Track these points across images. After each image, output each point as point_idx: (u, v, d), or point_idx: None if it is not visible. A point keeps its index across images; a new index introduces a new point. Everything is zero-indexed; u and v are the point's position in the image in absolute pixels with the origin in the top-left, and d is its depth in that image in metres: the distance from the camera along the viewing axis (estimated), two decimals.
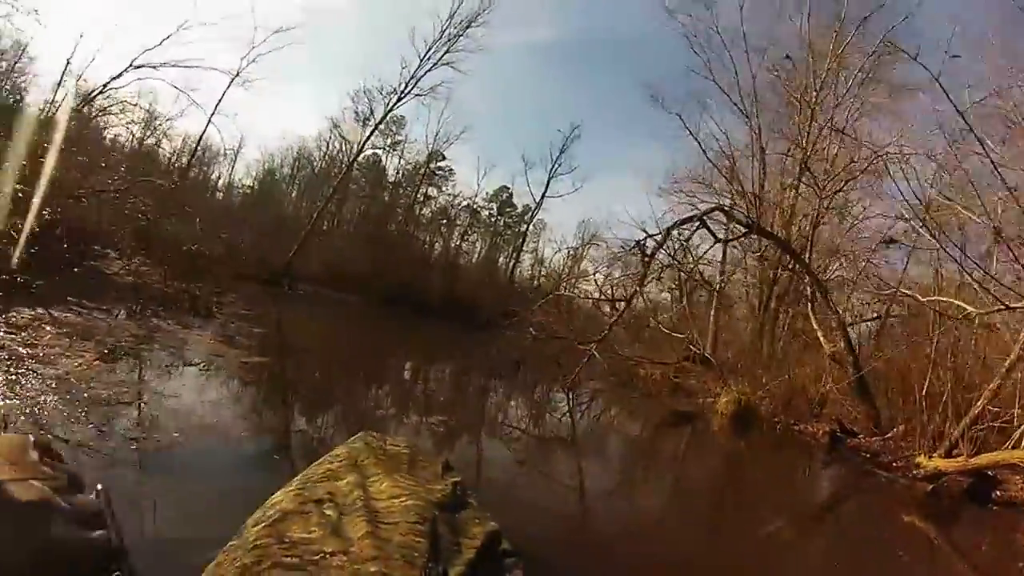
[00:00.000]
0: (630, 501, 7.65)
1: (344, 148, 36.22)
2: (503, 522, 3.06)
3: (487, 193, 42.07)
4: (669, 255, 17.15)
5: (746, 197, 21.89)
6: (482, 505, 3.18)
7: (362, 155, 37.67)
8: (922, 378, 12.58)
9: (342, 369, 12.38)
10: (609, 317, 21.46)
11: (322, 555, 2.18)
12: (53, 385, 5.33)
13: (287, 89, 55.47)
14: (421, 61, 30.78)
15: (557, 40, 56.38)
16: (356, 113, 33.79)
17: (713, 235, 16.69)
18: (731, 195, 24.08)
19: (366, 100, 32.82)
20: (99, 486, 2.11)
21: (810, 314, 17.39)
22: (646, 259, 15.60)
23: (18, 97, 22.87)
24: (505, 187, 42.39)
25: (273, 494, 2.77)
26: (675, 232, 16.15)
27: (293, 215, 34.30)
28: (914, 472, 10.97)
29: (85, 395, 5.33)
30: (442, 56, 30.79)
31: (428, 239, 40.61)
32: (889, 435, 13.52)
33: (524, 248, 41.48)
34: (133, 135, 28.73)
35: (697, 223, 16.27)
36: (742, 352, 20.51)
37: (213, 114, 27.56)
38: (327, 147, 37.12)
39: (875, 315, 19.83)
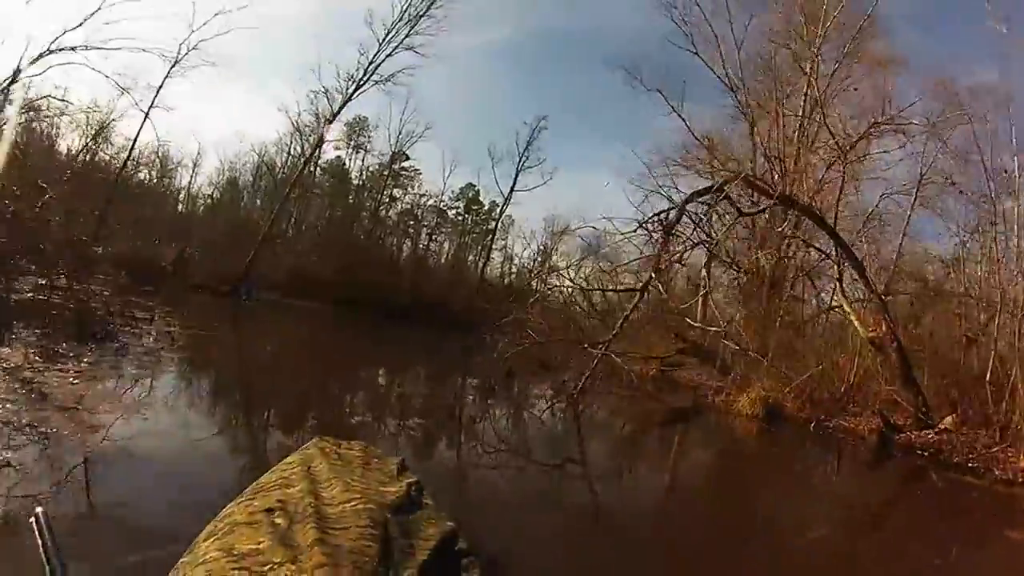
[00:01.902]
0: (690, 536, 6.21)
1: (305, 151, 33.67)
2: None
3: (453, 191, 40.25)
4: (694, 230, 15.01)
5: (759, 166, 19.85)
6: (438, 507, 2.98)
7: (325, 159, 35.80)
8: (982, 365, 11.06)
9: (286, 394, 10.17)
10: (587, 314, 20.01)
11: (270, 566, 2.03)
12: None
13: (236, 85, 51.88)
14: (381, 45, 28.33)
15: (515, 38, 54.47)
16: (315, 114, 30.87)
17: (736, 207, 14.87)
18: (713, 175, 22.26)
19: (324, 98, 29.80)
20: (37, 509, 1.54)
21: (840, 295, 15.39)
22: (665, 237, 13.88)
23: None
24: (471, 184, 40.54)
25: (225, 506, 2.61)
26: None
27: (254, 222, 31.52)
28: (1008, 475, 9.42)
29: None
30: (403, 39, 28.48)
31: (396, 241, 38.94)
32: (942, 427, 11.97)
33: (494, 245, 39.74)
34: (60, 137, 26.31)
35: (714, 195, 14.32)
36: (759, 340, 17.85)
37: (151, 107, 24.81)
38: (288, 151, 34.45)
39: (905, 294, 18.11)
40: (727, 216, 16.73)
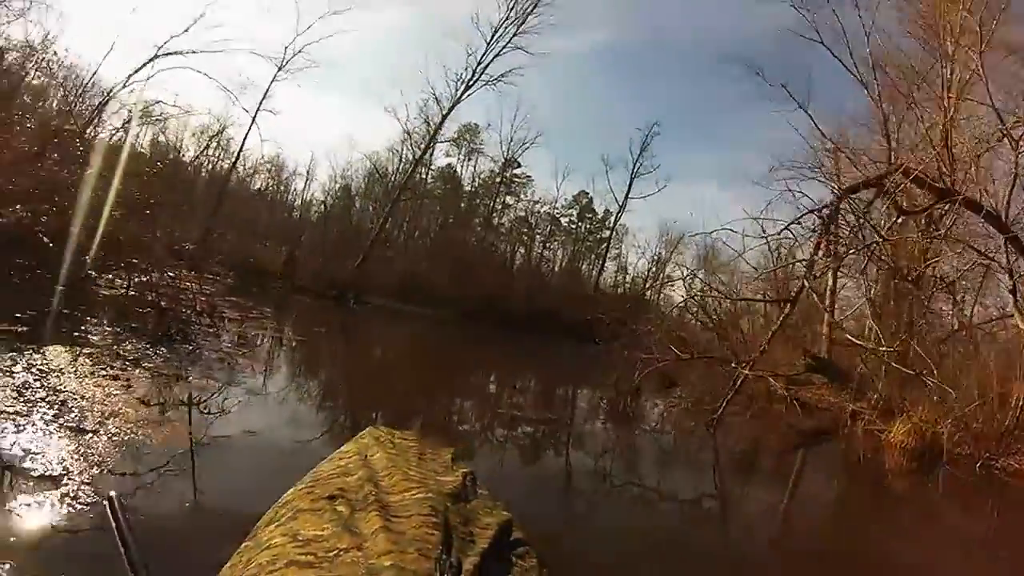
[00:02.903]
0: None
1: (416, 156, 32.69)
2: None
3: (566, 199, 39.12)
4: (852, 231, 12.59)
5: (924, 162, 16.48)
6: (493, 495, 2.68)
7: (436, 165, 34.94)
8: None
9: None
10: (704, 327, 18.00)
11: (336, 552, 1.90)
12: None
13: (343, 91, 52.08)
14: (489, 44, 27.33)
15: (619, 41, 52.65)
16: (425, 118, 29.59)
17: (898, 207, 12.24)
18: (839, 177, 19.13)
19: (433, 101, 28.83)
20: (111, 493, 1.62)
21: (1016, 308, 12.28)
22: (820, 238, 11.71)
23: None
24: (584, 192, 39.33)
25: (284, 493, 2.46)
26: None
27: (364, 227, 31.01)
28: None
29: None
30: (511, 39, 27.34)
31: (509, 248, 37.68)
32: None
33: (607, 254, 38.05)
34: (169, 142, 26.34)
35: (874, 189, 11.95)
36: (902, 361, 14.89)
37: (257, 111, 24.22)
38: (400, 157, 33.09)
39: None
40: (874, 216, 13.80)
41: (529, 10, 27.09)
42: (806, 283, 12.48)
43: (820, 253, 12.61)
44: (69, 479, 3.64)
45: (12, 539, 2.91)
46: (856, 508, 8.16)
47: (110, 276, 10.67)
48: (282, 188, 37.77)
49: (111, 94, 19.25)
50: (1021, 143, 11.99)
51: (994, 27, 13.81)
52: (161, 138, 27.65)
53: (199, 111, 23.82)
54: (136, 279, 10.64)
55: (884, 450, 11.52)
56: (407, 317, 24.20)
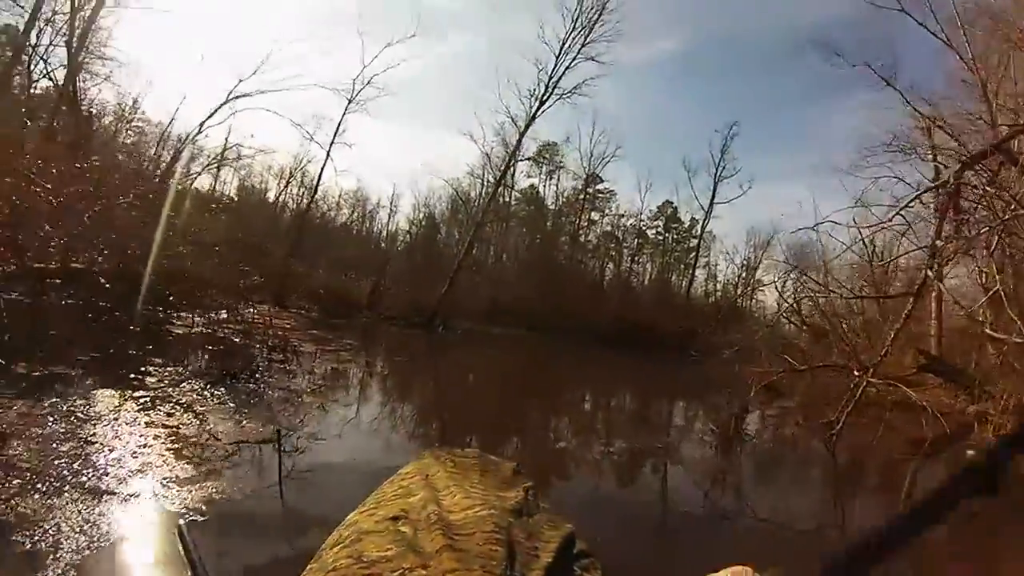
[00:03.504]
0: None
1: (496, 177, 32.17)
2: None
3: (651, 210, 37.81)
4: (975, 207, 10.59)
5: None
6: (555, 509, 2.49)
7: (519, 187, 34.50)
8: None
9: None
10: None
11: (401, 571, 1.79)
12: None
13: (417, 122, 52.32)
14: (558, 58, 26.33)
15: (689, 48, 51.14)
16: (503, 140, 28.87)
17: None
18: (935, 155, 17.18)
19: (509, 120, 27.91)
20: (180, 522, 1.74)
21: None
22: (942, 218, 10.24)
23: None
24: (669, 202, 38.05)
25: (348, 515, 2.26)
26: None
27: (449, 253, 30.48)
28: None
29: None
30: (580, 49, 26.22)
31: (598, 264, 36.67)
32: None
33: (696, 263, 36.64)
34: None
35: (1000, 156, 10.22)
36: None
37: (332, 144, 24.24)
38: (482, 181, 32.61)
39: None
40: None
41: (595, 19, 26.06)
42: (929, 272, 10.81)
43: (944, 236, 10.82)
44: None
45: None
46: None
47: (184, 314, 10.50)
48: (367, 222, 38.42)
49: (187, 141, 19.66)
50: None
51: None
52: (247, 182, 28.65)
53: (274, 149, 24.31)
54: (207, 316, 10.48)
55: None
56: (496, 339, 23.57)
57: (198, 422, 5.76)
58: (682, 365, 20.69)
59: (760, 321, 24.31)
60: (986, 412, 12.09)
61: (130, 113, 20.70)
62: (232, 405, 6.58)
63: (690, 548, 5.09)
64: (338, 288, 20.73)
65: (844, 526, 6.47)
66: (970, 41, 16.73)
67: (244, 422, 6.07)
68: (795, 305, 23.10)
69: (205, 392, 6.81)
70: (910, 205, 10.77)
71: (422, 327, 21.51)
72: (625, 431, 10.42)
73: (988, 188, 10.52)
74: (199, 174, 19.69)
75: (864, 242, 17.44)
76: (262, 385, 7.84)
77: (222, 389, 7.11)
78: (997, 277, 11.40)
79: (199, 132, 19.92)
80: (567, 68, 26.50)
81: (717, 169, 33.55)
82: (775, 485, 8.07)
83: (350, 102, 24.13)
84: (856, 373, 10.75)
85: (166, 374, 7.24)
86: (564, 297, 28.25)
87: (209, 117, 19.87)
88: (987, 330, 13.16)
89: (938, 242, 10.67)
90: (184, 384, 6.94)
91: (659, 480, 7.65)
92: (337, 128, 24.25)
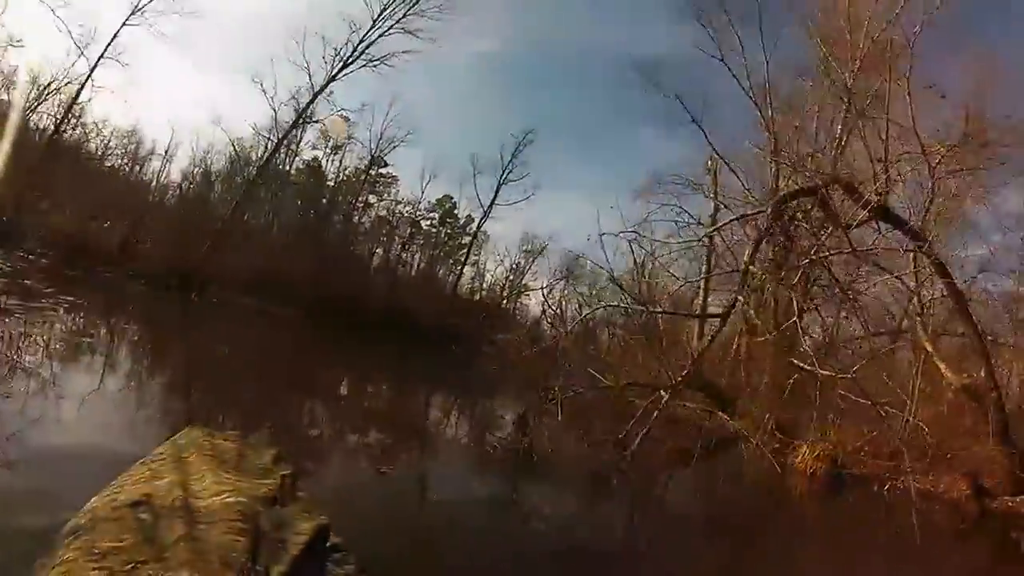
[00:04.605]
0: None
1: (283, 146, 29.42)
2: None
3: (429, 202, 37.94)
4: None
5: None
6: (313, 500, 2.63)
7: (301, 158, 32.78)
8: None
9: None
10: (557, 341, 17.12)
11: (133, 564, 1.86)
12: None
13: (218, 75, 49.13)
14: (375, 22, 25.47)
15: (505, 52, 53.68)
16: (295, 99, 26.73)
17: (834, 216, 11.68)
18: (718, 195, 19.53)
19: (307, 75, 26.24)
20: None
21: (921, 330, 12.79)
22: (756, 247, 11.41)
23: None
24: (449, 196, 38.36)
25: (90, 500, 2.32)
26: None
27: (218, 212, 27.57)
28: None
29: None
30: (400, 20, 25.72)
31: (369, 248, 36.01)
32: None
33: (467, 260, 37.58)
34: None
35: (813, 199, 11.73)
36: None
37: (102, 57, 21.41)
38: (266, 144, 29.11)
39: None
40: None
41: None
42: (740, 298, 11.56)
43: (755, 264, 11.85)
44: None
45: None
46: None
47: None
48: (137, 167, 34.36)
49: None
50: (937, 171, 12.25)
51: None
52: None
53: (20, 41, 20.23)
54: None
55: (788, 473, 11.27)
56: (256, 314, 22.09)
57: None
58: (447, 359, 20.80)
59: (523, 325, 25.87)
60: (743, 430, 12.77)
61: None
62: None
63: (453, 551, 4.84)
64: (83, 233, 18.08)
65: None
66: (772, 102, 18.83)
67: None
68: (559, 311, 24.93)
69: None
70: (740, 220, 11.99)
71: (176, 291, 19.57)
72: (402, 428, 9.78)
73: (802, 224, 11.86)
74: None
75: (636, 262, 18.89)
76: None
77: None
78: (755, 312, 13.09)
79: None
80: (381, 34, 25.79)
81: (504, 171, 34.47)
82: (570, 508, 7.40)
83: (132, 13, 21.00)
84: (662, 392, 10.53)
85: None
86: (332, 276, 27.27)
87: None
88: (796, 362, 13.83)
89: (751, 267, 11.51)
90: None
91: (434, 480, 7.15)
92: (112, 40, 21.27)
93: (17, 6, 18.38)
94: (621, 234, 12.37)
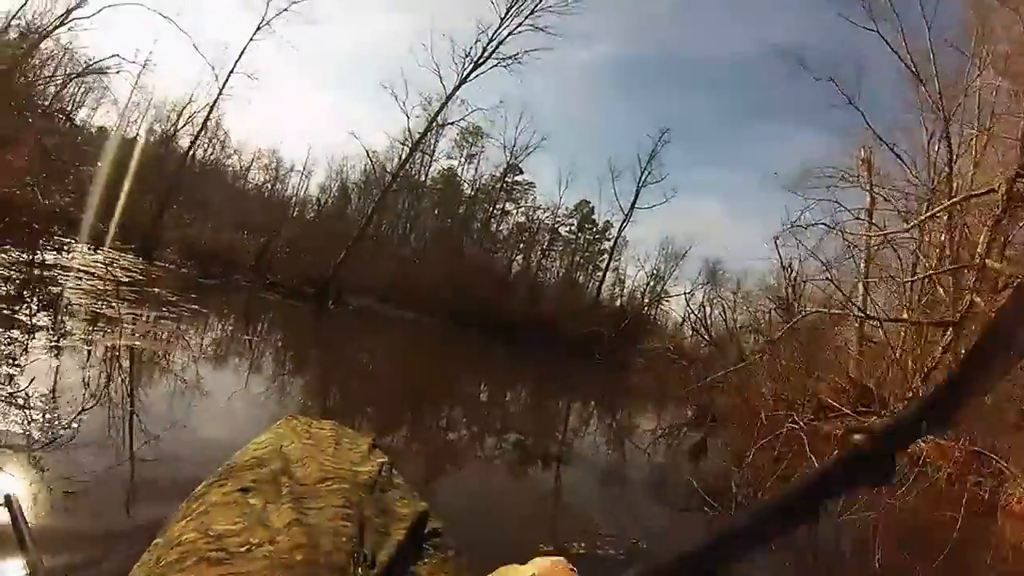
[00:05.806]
0: None
1: (415, 157, 28.86)
2: None
3: (567, 208, 36.27)
4: None
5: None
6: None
7: (436, 168, 32.28)
8: None
9: None
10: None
11: (248, 547, 1.75)
12: None
13: (339, 88, 49.49)
14: (503, 19, 24.00)
15: (632, 54, 50.78)
16: (427, 103, 25.67)
17: None
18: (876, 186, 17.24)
19: (439, 80, 24.92)
20: (7, 493, 1.74)
21: None
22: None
23: None
24: (586, 201, 36.53)
25: (197, 486, 2.19)
26: None
27: (354, 222, 27.44)
28: None
29: None
30: (528, 16, 24.02)
31: (508, 256, 34.95)
32: None
33: (608, 266, 35.29)
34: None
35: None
36: None
37: (231, 74, 20.84)
38: (400, 155, 28.46)
39: None
40: None
41: None
42: (976, 298, 9.40)
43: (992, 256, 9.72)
44: None
45: None
46: None
47: None
48: (278, 184, 35.33)
49: (44, 34, 15.91)
50: None
51: None
52: (156, 125, 24.45)
53: (153, 63, 20.37)
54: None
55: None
56: (394, 321, 21.33)
57: None
58: (590, 367, 19.36)
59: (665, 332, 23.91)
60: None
61: None
62: None
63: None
64: (221, 244, 17.95)
65: None
66: (938, 73, 15.79)
67: None
68: (703, 317, 22.63)
69: None
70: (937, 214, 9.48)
71: (312, 299, 19.01)
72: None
73: None
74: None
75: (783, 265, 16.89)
76: None
77: None
78: None
79: (62, 24, 16.03)
80: (511, 33, 24.31)
81: (643, 173, 32.24)
82: None
83: (258, 29, 20.87)
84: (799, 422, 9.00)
85: None
86: (470, 284, 26.39)
87: (78, 6, 16.12)
88: None
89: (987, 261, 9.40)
90: None
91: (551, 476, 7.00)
92: (241, 55, 20.86)
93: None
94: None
